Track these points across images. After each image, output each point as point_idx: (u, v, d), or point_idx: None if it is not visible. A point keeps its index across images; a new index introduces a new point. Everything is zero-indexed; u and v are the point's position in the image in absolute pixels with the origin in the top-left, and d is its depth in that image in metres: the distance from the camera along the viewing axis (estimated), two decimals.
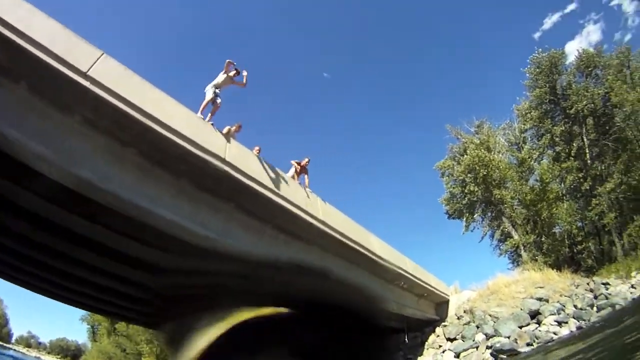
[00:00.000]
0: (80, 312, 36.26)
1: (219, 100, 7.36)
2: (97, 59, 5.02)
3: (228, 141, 6.69)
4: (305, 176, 9.74)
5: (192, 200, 6.50)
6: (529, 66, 21.01)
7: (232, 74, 7.82)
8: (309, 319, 14.65)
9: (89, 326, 38.77)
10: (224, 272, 9.24)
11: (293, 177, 9.48)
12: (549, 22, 47.12)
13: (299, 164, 9.80)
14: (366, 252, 10.22)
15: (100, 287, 10.38)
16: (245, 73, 7.97)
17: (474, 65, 64.33)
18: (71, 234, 6.97)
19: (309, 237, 8.54)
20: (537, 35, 46.41)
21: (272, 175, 7.47)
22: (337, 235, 9.00)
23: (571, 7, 47.38)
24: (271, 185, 7.17)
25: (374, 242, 10.79)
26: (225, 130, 7.28)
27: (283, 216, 7.63)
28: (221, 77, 7.71)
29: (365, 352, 15.04)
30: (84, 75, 4.83)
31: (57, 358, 54.82)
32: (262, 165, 7.41)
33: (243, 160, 6.77)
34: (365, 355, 14.82)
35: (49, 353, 59.46)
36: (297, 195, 8.02)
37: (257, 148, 8.40)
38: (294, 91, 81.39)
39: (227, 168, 6.35)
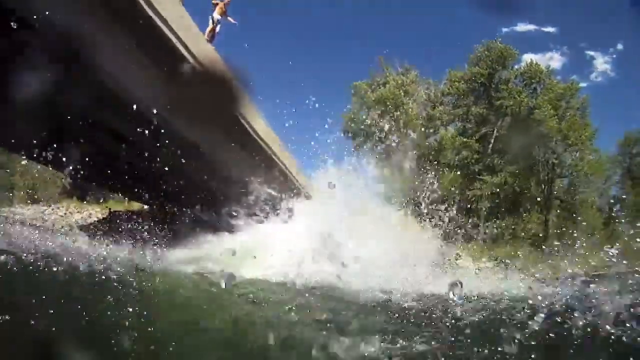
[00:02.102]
0: None
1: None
2: None
3: None
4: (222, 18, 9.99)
5: None
6: (481, 45, 21.87)
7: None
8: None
9: None
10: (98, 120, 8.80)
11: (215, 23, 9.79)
12: (522, 27, 47.62)
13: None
14: (249, 130, 10.21)
15: None
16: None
17: (435, 19, 62.64)
18: None
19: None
20: (505, 30, 46.92)
21: (181, 16, 7.08)
22: None
23: (550, 29, 48.31)
24: (174, 26, 6.75)
25: (261, 126, 10.77)
26: None
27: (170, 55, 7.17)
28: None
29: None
30: None
31: None
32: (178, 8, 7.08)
33: None
34: None
35: None
36: (196, 43, 7.63)
37: None
38: None
39: None
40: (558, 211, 24.90)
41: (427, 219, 20.94)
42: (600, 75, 46.05)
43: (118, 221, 19.64)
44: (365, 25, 64.50)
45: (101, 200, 23.95)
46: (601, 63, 55.20)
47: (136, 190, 18.29)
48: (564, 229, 24.97)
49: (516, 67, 22.90)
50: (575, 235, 26.09)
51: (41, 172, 25.14)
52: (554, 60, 43.56)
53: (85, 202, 24.76)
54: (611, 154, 31.52)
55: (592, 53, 47.44)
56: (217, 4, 9.88)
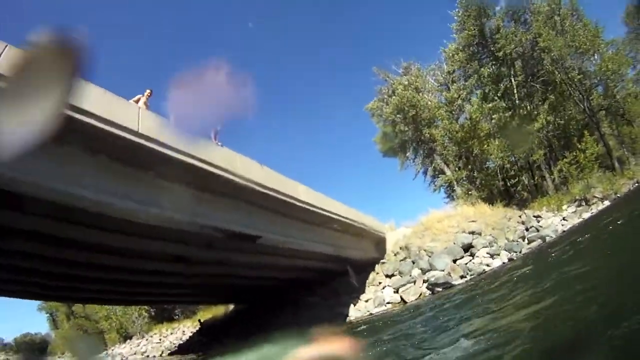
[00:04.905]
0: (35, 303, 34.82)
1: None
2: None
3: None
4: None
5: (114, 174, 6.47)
6: (457, 9, 21.42)
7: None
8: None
9: (47, 314, 37.51)
10: (153, 252, 9.30)
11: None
12: None
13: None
14: (293, 201, 10.33)
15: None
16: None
17: (399, 5, 62.13)
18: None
19: (233, 192, 8.60)
20: None
21: (188, 139, 7.45)
22: (259, 188, 8.97)
23: None
24: (187, 150, 7.05)
25: (299, 190, 10.89)
26: (135, 99, 7.43)
27: (203, 178, 7.59)
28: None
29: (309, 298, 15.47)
30: None
31: None
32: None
33: (158, 130, 6.60)
34: (310, 303, 15.19)
35: (16, 352, 57.11)
36: (214, 154, 7.93)
37: None
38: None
39: (140, 140, 6.27)
40: (608, 121, 23.66)
41: (495, 196, 20.06)
42: None
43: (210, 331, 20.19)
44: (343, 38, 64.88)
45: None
46: None
47: (217, 297, 18.89)
48: (621, 135, 23.63)
49: (497, 8, 22.29)
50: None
51: (124, 310, 26.33)
52: None
53: (175, 321, 25.58)
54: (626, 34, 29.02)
55: None
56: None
